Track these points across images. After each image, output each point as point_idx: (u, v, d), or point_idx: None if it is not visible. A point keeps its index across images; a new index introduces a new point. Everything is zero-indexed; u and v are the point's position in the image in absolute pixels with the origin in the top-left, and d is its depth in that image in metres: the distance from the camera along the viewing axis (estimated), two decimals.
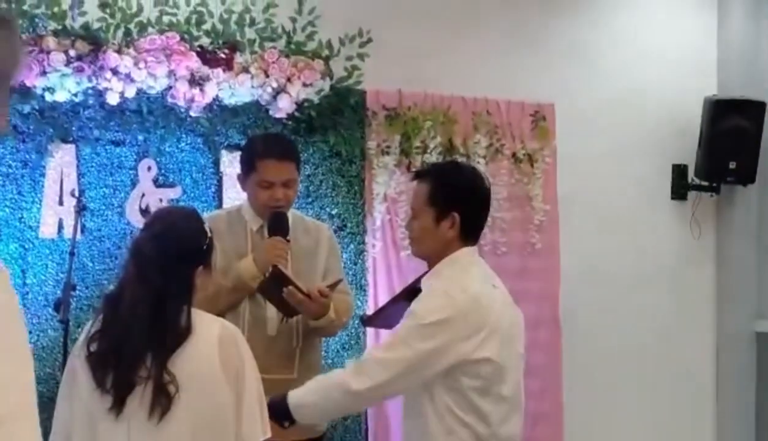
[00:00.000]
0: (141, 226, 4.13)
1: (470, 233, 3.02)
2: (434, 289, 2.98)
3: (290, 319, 3.49)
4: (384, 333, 4.64)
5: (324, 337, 3.88)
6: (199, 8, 4.37)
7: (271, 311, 3.48)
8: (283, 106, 4.43)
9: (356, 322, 4.55)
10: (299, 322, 3.52)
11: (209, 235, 2.58)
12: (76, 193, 3.97)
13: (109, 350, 2.43)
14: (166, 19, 4.30)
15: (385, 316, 3.90)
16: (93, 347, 2.45)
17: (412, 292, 3.74)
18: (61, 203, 4.13)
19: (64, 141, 4.18)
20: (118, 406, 2.40)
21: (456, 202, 2.96)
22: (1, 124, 1.25)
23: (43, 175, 4.15)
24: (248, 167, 3.53)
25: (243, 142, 4.34)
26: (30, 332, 4.09)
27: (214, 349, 2.44)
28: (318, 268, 3.62)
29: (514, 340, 3.05)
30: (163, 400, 2.38)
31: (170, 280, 2.44)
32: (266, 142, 3.66)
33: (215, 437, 2.44)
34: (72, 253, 3.67)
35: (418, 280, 3.74)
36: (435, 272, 3.03)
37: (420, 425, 2.96)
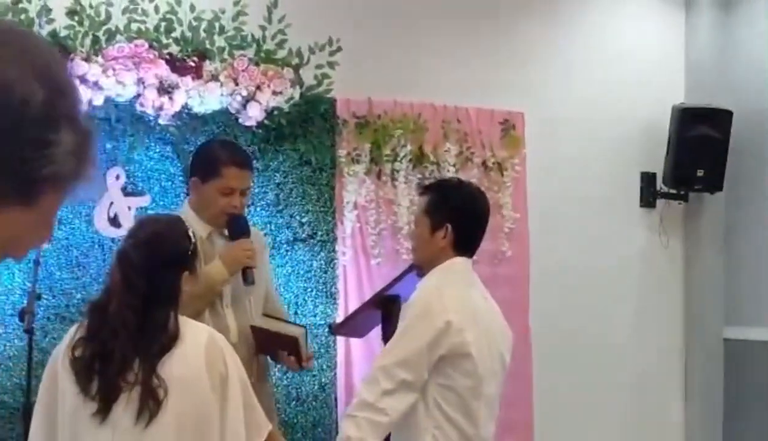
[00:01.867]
0: (110, 234, 4.18)
1: (464, 245, 3.20)
2: (425, 288, 3.12)
3: (246, 326, 3.54)
4: (354, 341, 4.64)
5: None
6: (168, 16, 4.35)
7: (232, 319, 3.49)
8: (253, 114, 4.42)
9: (326, 330, 4.55)
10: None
11: (193, 240, 2.60)
12: None
13: (94, 356, 2.43)
14: (134, 26, 4.28)
15: (355, 324, 3.91)
16: (77, 353, 2.45)
17: (381, 300, 3.77)
18: None
19: None
20: (104, 411, 2.40)
21: (449, 214, 3.16)
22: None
23: None
24: (210, 172, 3.49)
25: None
26: None
27: (201, 355, 2.46)
28: (262, 273, 3.65)
29: (501, 351, 3.20)
30: (151, 405, 2.39)
31: (157, 286, 2.46)
32: (229, 150, 3.64)
33: None
34: (37, 262, 3.64)
35: (386, 288, 3.77)
36: (427, 277, 3.16)
37: (409, 420, 3.04)
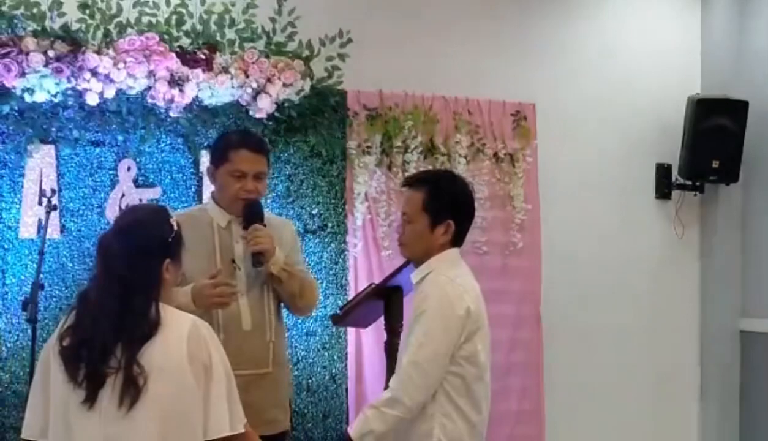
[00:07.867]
0: None
1: (460, 238, 3.19)
2: (436, 279, 3.08)
3: (262, 314, 3.54)
4: (364, 333, 4.66)
5: (292, 308, 3.77)
6: (179, 9, 4.38)
7: (245, 307, 3.50)
8: (263, 107, 4.44)
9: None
10: (271, 315, 3.57)
11: (175, 228, 2.60)
12: (48, 193, 3.97)
13: (80, 345, 2.46)
14: (145, 20, 4.31)
15: (357, 316, 3.91)
16: (65, 342, 2.48)
17: (383, 291, 3.78)
18: (40, 203, 4.12)
19: (44, 141, 4.20)
20: (91, 398, 2.43)
21: (451, 210, 3.13)
22: None
23: (22, 175, 4.17)
24: (221, 158, 3.56)
25: None
26: (9, 332, 4.12)
27: (183, 343, 2.47)
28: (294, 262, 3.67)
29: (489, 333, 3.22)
30: (132, 391, 2.41)
31: (136, 274, 2.47)
32: (240, 135, 3.70)
33: (182, 428, 2.46)
34: (41, 253, 3.68)
35: (386, 280, 3.78)
36: (428, 267, 3.13)
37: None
